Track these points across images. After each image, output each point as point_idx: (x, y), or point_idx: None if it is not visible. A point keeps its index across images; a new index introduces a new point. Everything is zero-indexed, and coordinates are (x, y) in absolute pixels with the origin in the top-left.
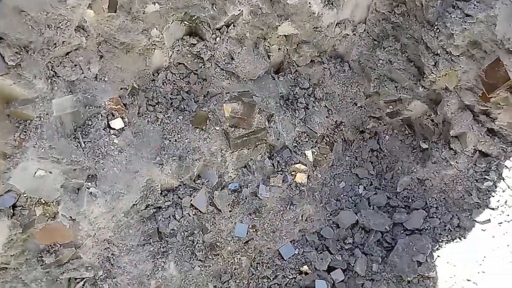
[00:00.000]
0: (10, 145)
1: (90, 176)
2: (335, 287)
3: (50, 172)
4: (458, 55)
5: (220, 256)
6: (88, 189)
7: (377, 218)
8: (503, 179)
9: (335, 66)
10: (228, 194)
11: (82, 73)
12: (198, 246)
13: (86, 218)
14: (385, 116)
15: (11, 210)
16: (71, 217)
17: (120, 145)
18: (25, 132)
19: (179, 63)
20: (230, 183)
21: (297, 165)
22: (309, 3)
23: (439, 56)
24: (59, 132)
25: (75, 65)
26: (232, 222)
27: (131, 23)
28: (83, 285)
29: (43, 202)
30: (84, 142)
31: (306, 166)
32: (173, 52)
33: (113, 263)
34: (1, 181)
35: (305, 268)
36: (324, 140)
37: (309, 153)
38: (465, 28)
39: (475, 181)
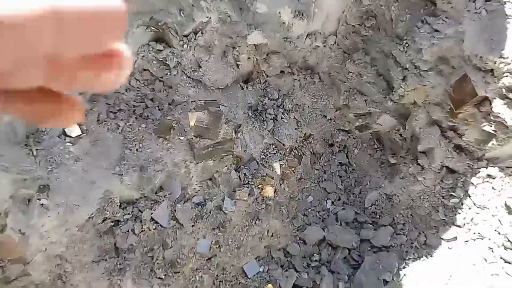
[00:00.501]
0: None
1: (42, 187)
2: None
3: None
4: (427, 70)
5: (181, 274)
6: (39, 200)
7: (344, 234)
8: (469, 196)
9: (305, 77)
10: (191, 207)
11: None
12: (158, 263)
13: (36, 232)
14: (355, 129)
15: None
16: (20, 230)
17: (76, 153)
18: None
19: (144, 69)
20: (194, 195)
21: (264, 178)
22: (279, 12)
23: (408, 70)
24: (11, 140)
25: None
26: (194, 238)
27: None
28: None
29: None
30: (37, 149)
31: (274, 179)
32: (137, 57)
33: (65, 281)
34: None
35: (269, 286)
36: (292, 152)
37: (277, 165)
38: (433, 43)
39: (441, 198)
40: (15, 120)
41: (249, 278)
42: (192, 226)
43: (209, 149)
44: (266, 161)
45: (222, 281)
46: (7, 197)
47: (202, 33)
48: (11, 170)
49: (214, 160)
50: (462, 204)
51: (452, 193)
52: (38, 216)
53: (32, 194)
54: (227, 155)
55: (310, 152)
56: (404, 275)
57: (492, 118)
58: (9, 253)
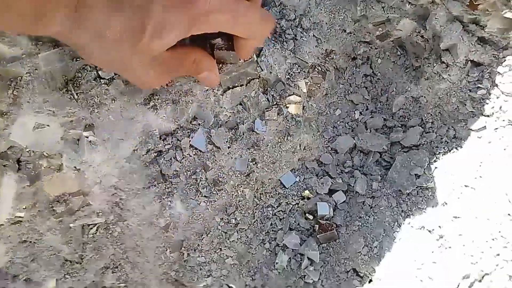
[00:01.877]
0: (5, 103)
1: (87, 126)
2: (337, 208)
3: (48, 126)
4: None
5: (224, 191)
6: (87, 138)
7: (374, 139)
8: (497, 86)
9: None
10: (225, 131)
11: None
12: (201, 184)
13: (90, 167)
14: (376, 39)
15: (16, 165)
16: (75, 167)
17: (113, 93)
18: (18, 88)
19: None
20: (226, 121)
21: (291, 97)
22: None
23: None
24: (50, 86)
25: None
26: (232, 158)
27: None
28: (96, 230)
29: (47, 155)
30: (77, 93)
31: (301, 97)
32: None
33: (122, 207)
34: (2, 138)
35: (306, 193)
36: (316, 69)
37: (302, 83)
38: None
39: (468, 91)
40: (53, 68)
41: (287, 188)
42: (228, 147)
43: (233, 73)
44: (292, 81)
45: (262, 193)
46: (58, 139)
47: None
48: (58, 114)
49: (241, 86)
50: (490, 94)
51: (479, 85)
52: (88, 153)
53: (80, 133)
54: (253, 79)
55: (334, 67)
56: (436, 168)
57: None
58: (69, 188)
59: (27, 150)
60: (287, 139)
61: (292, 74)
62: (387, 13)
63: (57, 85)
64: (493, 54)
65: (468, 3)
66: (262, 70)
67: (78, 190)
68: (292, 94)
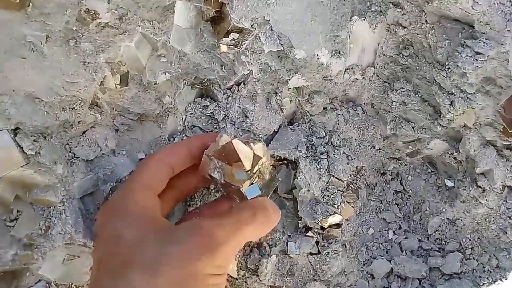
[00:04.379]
0: (36, 235)
1: None
2: None
3: (78, 256)
4: (474, 93)
5: None
6: None
7: (412, 264)
8: None
9: (348, 111)
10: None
11: (100, 150)
12: None
13: None
14: (405, 156)
15: None
16: None
17: None
18: (50, 219)
19: (194, 126)
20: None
21: (331, 218)
22: (317, 55)
23: (454, 95)
24: (83, 215)
25: (93, 143)
26: (265, 286)
27: (144, 94)
28: None
29: (75, 287)
30: None
31: (342, 216)
32: (186, 115)
33: None
34: (31, 272)
35: None
36: (350, 187)
37: (344, 204)
38: (477, 66)
39: (508, 218)
40: (86, 195)
41: None
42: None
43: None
44: (327, 201)
45: None
46: (87, 270)
47: (244, 84)
48: (89, 245)
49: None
50: None
51: None
52: None
53: None
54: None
55: (364, 184)
56: None
57: None
58: None
59: (55, 283)
60: (323, 264)
61: (328, 193)
62: (418, 133)
63: (89, 212)
64: None
65: (501, 130)
66: (300, 187)
67: None
68: (333, 214)
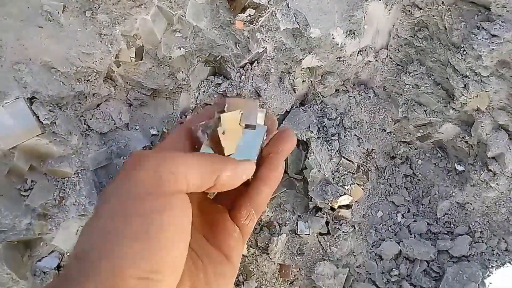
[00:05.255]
0: (50, 205)
1: None
2: None
3: None
4: (488, 76)
5: None
6: None
7: (420, 246)
8: None
9: (359, 93)
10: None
11: (114, 123)
12: None
13: None
14: (416, 140)
15: (56, 271)
16: None
17: None
18: (64, 190)
19: (206, 104)
20: (267, 222)
21: (342, 198)
22: (332, 35)
23: (469, 78)
24: (96, 187)
25: (107, 116)
26: (275, 264)
27: (158, 69)
28: None
29: None
30: None
31: (352, 197)
32: (199, 93)
33: None
34: (44, 242)
35: None
36: (360, 169)
37: (354, 185)
38: (492, 48)
39: None
40: (99, 168)
41: None
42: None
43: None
44: (339, 181)
45: None
46: None
47: (258, 62)
48: None
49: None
50: None
51: None
52: None
53: None
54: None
55: (374, 167)
56: (490, 283)
57: None
58: None
59: (68, 254)
60: (333, 243)
61: (338, 174)
62: (430, 117)
63: (102, 185)
64: None
65: None
66: (312, 168)
67: None
68: (343, 195)
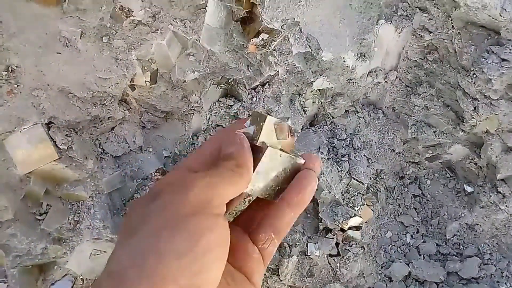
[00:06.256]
0: (65, 229)
1: None
2: None
3: (105, 252)
4: (497, 99)
5: None
6: None
7: (429, 268)
8: None
9: (369, 114)
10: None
11: (128, 146)
12: None
13: None
14: (424, 160)
15: None
16: None
17: None
18: (79, 213)
19: (217, 125)
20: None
21: (352, 220)
22: (343, 57)
23: (478, 100)
24: (110, 210)
25: (121, 139)
26: (285, 285)
27: (171, 92)
28: None
29: None
30: None
31: (362, 219)
32: (210, 115)
33: None
34: (58, 266)
35: None
36: (370, 190)
37: (363, 206)
38: (502, 72)
39: None
40: (113, 191)
41: None
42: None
43: None
44: (349, 202)
45: None
46: None
47: (269, 84)
48: (115, 240)
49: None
50: None
51: None
52: None
53: None
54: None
55: (383, 187)
56: None
57: None
58: None
59: (81, 277)
60: (342, 265)
61: (347, 196)
62: (439, 138)
63: (115, 208)
64: None
65: None
66: (322, 189)
67: None
68: (353, 216)
